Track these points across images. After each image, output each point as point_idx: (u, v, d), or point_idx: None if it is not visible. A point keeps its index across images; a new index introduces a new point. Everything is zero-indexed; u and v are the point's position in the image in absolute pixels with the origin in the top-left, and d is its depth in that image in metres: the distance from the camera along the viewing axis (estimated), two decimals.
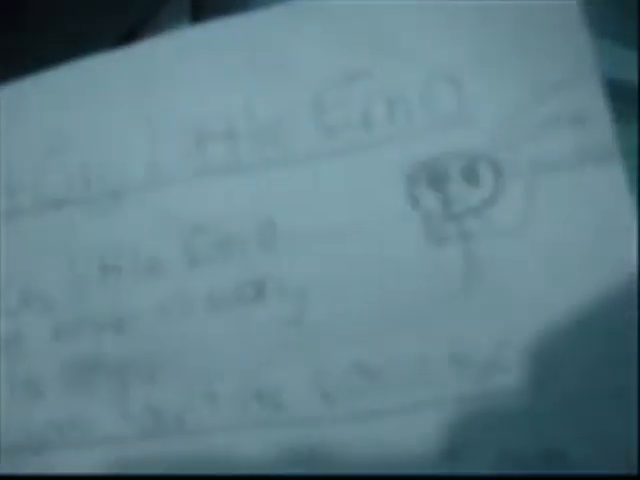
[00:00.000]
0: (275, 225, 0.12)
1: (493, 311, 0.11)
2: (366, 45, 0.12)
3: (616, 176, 0.11)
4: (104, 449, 0.12)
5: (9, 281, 0.13)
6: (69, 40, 0.14)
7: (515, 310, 0.11)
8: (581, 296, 0.11)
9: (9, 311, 0.13)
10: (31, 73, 0.14)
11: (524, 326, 0.11)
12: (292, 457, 0.11)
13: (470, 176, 0.11)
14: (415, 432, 0.11)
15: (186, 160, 0.13)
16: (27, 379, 0.13)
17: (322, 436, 0.11)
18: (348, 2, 0.12)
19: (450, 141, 0.11)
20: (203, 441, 0.12)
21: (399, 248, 0.11)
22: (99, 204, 0.13)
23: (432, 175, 0.11)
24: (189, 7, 0.15)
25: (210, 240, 0.12)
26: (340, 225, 0.12)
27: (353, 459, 0.11)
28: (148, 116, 0.13)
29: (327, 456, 0.11)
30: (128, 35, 0.15)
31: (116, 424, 0.12)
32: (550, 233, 0.11)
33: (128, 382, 0.12)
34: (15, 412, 0.13)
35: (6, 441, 0.13)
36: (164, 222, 0.13)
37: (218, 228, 0.12)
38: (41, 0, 0.15)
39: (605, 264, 0.11)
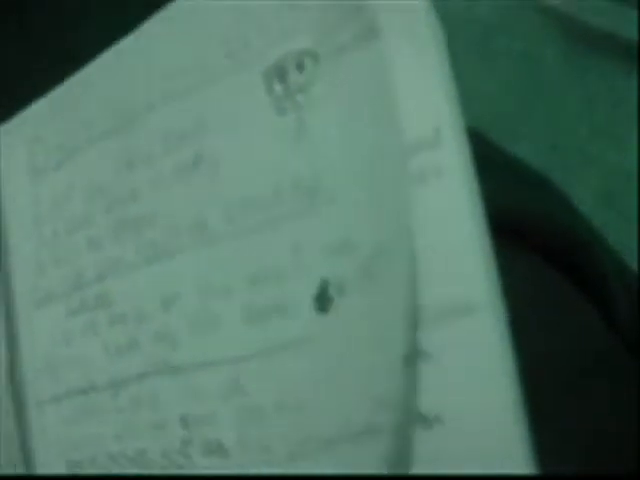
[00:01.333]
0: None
1: (313, 152, 0.16)
2: None
3: (379, 54, 0.15)
4: None
5: None
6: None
7: (328, 151, 0.16)
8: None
9: None
10: None
11: (336, 160, 0.16)
12: None
13: (300, 65, 0.16)
14: None
15: None
16: None
17: None
18: None
19: (287, 46, 0.17)
20: None
21: (262, 121, 0.17)
22: None
23: (278, 71, 0.17)
24: None
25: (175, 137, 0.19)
26: (234, 116, 0.18)
27: None
28: None
29: None
30: None
31: None
32: (349, 98, 0.16)
33: None
34: None
35: None
36: None
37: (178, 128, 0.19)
38: None
39: (382, 115, 0.15)
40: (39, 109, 0.23)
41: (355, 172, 0.16)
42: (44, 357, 0.21)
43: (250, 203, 0.17)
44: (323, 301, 0.16)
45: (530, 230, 0.17)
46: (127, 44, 0.20)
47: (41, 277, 0.22)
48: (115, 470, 0.20)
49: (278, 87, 0.17)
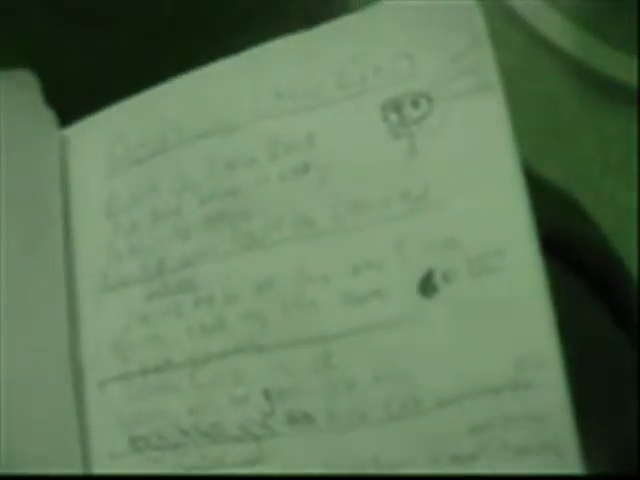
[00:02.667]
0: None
1: (422, 170, 0.20)
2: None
3: (497, 101, 0.20)
4: None
5: None
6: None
7: (435, 169, 0.20)
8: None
9: None
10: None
11: (442, 176, 0.20)
12: None
13: (415, 103, 0.21)
14: None
15: None
16: None
17: None
18: None
19: (404, 86, 0.21)
20: None
21: (376, 143, 0.21)
22: None
23: (394, 105, 0.21)
24: None
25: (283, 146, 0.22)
26: (347, 133, 0.21)
27: None
28: None
29: None
30: None
31: None
32: (457, 131, 0.20)
33: None
34: None
35: None
36: None
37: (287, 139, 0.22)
38: None
39: (484, 146, 0.20)
40: (120, 110, 0.25)
41: (460, 187, 0.20)
42: (111, 339, 0.22)
43: (358, 206, 0.21)
44: (427, 287, 0.19)
45: (569, 247, 0.21)
46: (234, 62, 0.23)
47: (115, 264, 0.23)
48: (184, 443, 0.21)
49: (393, 117, 0.21)
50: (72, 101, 0.25)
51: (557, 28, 0.38)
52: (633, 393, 0.21)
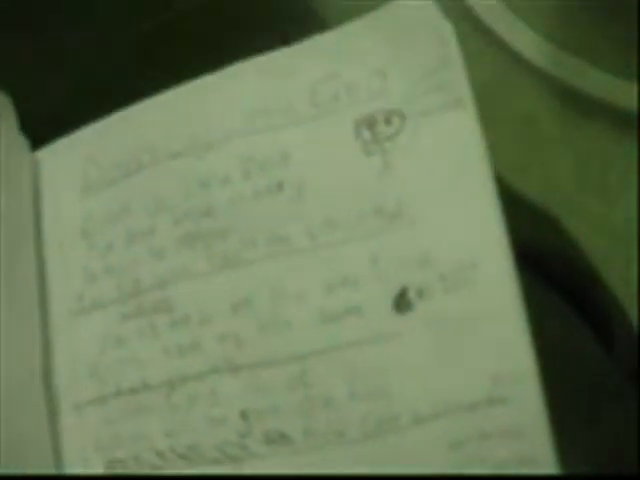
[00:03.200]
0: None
1: (396, 186, 0.20)
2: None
3: (469, 117, 0.20)
4: None
5: None
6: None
7: (409, 186, 0.20)
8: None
9: None
10: None
11: (416, 192, 0.20)
12: None
13: (388, 120, 0.21)
14: None
15: None
16: None
17: None
18: None
19: (377, 104, 0.21)
20: None
21: (349, 160, 0.21)
22: None
23: (367, 122, 0.21)
24: None
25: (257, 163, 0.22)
26: (320, 151, 0.21)
27: None
28: None
29: None
30: None
31: None
32: (429, 148, 0.20)
33: None
34: None
35: None
36: None
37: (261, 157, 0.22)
38: None
39: (457, 161, 0.20)
40: (94, 131, 0.25)
41: (433, 203, 0.20)
42: (86, 361, 0.22)
43: (332, 223, 0.21)
44: (402, 304, 0.19)
45: (545, 261, 0.22)
46: (207, 81, 0.23)
47: (90, 285, 0.23)
48: (161, 466, 0.21)
49: (366, 133, 0.21)
50: (43, 123, 0.25)
51: (533, 45, 0.38)
52: (610, 403, 0.21)
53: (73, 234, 0.24)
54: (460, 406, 0.18)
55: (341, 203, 0.21)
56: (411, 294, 0.19)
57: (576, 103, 0.35)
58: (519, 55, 0.37)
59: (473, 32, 0.38)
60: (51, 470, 0.21)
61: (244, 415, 0.20)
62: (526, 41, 0.38)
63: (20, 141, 0.25)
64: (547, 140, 0.34)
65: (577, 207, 0.32)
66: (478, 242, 0.19)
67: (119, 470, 0.21)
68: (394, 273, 0.20)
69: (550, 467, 0.18)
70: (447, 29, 0.21)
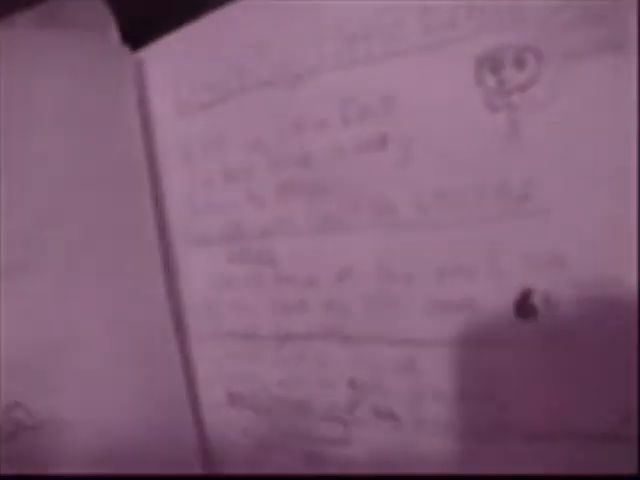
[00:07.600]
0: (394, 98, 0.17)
1: (526, 157, 0.16)
2: None
3: (630, 62, 0.14)
4: None
5: None
6: None
7: (543, 158, 0.15)
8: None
9: None
10: None
11: (552, 168, 0.15)
12: None
13: (519, 61, 0.15)
14: None
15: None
16: None
17: None
18: None
19: (505, 37, 0.15)
20: None
21: (467, 114, 0.16)
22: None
23: (492, 62, 0.16)
24: None
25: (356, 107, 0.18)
26: (431, 98, 0.17)
27: None
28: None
29: None
30: None
31: None
32: (573, 106, 0.15)
33: None
34: None
35: None
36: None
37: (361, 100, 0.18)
38: None
39: (611, 130, 0.15)
40: (176, 42, 0.22)
41: (574, 187, 0.15)
42: (202, 296, 0.22)
43: (446, 197, 0.17)
44: (525, 309, 0.16)
45: None
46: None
47: (195, 219, 0.22)
48: (277, 410, 0.21)
49: (491, 80, 0.16)
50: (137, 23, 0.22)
51: None
52: None
53: (177, 157, 0.22)
54: (582, 435, 0.16)
55: (456, 172, 0.17)
56: (536, 298, 0.16)
57: None
58: None
59: None
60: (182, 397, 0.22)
61: (352, 384, 0.20)
62: None
63: (121, 49, 0.22)
64: None
65: None
66: (627, 249, 0.15)
67: (238, 401, 0.22)
68: (517, 269, 0.16)
69: None
70: None
